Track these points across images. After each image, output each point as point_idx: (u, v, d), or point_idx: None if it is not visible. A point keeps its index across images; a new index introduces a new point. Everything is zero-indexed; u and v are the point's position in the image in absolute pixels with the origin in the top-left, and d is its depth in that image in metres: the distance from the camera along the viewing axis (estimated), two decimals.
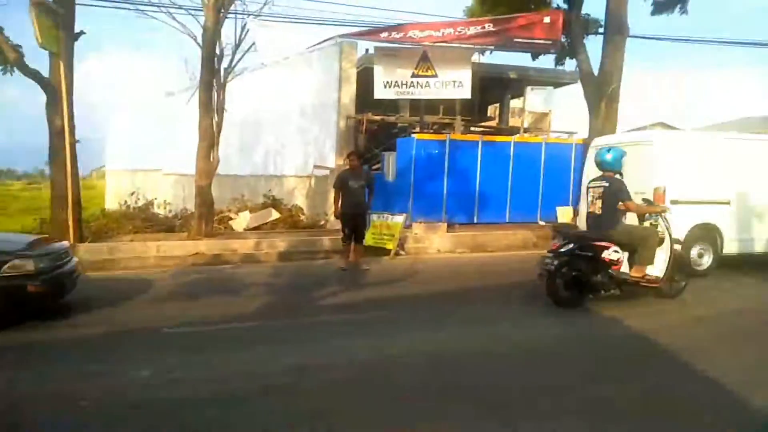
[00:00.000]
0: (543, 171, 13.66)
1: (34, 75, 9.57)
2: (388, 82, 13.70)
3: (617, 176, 6.36)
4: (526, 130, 17.48)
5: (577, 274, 6.14)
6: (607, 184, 6.28)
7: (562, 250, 6.17)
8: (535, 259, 6.65)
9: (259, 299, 6.86)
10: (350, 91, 15.39)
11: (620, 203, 6.21)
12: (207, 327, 5.63)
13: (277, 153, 17.43)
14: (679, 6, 13.48)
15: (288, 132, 17.10)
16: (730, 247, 8.41)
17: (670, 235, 6.46)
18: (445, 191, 13.25)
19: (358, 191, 8.76)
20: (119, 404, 3.74)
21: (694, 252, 8.17)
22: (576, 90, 14.08)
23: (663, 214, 6.46)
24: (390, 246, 10.12)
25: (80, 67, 9.98)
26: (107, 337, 5.30)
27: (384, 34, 12.59)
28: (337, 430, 3.37)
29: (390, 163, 13.70)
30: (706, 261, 8.30)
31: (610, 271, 6.16)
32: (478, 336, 5.33)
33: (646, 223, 6.47)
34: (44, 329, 5.50)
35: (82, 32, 10.19)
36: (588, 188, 6.69)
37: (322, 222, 13.71)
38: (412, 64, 13.62)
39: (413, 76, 13.71)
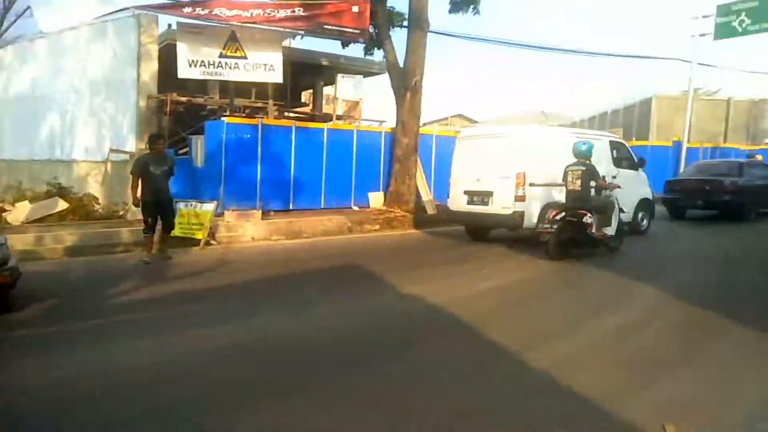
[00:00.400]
0: (355, 158, 14.03)
1: None
2: (193, 61, 12.85)
3: (588, 162, 8.42)
4: (339, 117, 17.83)
5: (569, 235, 8.37)
6: (584, 168, 8.32)
7: (558, 217, 8.10)
8: (351, 244, 6.90)
9: (38, 303, 5.92)
10: (151, 68, 14.14)
11: (593, 181, 8.34)
12: None
13: (65, 135, 15.36)
14: (472, 6, 14.81)
15: (78, 111, 15.16)
16: None
17: (618, 206, 8.93)
18: (258, 177, 12.90)
19: (161, 177, 8.13)
20: None
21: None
22: (385, 80, 14.70)
23: (615, 190, 8.82)
24: (200, 236, 9.54)
25: None
26: None
27: (187, 9, 11.76)
28: None
29: (198, 148, 12.90)
30: None
31: (588, 231, 8.31)
32: (293, 324, 5.27)
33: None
34: None
35: None
36: (567, 171, 8.48)
37: (121, 212, 12.42)
38: (219, 43, 12.94)
39: (221, 56, 13.04)
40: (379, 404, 3.47)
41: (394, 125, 14.36)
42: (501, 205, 9.27)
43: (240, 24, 12.24)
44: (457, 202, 10.13)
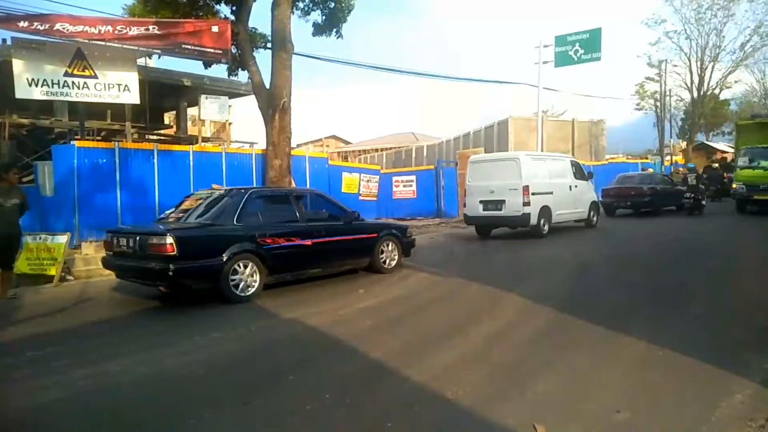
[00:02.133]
0: (225, 181, 13.62)
1: None
2: (33, 80, 11.74)
3: None
4: (206, 140, 17.26)
5: None
6: None
7: None
8: None
9: None
10: None
11: None
12: None
13: None
14: (335, 30, 15.20)
15: None
16: (556, 218, 13.69)
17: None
18: (119, 204, 12.01)
19: (11, 210, 7.36)
20: None
21: (541, 221, 13.11)
22: (254, 101, 14.49)
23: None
24: (53, 272, 8.70)
25: None
26: None
27: (23, 23, 10.73)
28: None
29: (46, 175, 11.73)
30: (545, 227, 13.28)
31: None
32: (163, 360, 4.92)
33: None
34: None
35: None
36: None
37: None
38: (64, 61, 11.97)
39: (67, 74, 12.06)
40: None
41: (264, 147, 14.20)
42: (512, 209, 12.84)
43: (86, 41, 11.43)
44: (474, 209, 13.58)
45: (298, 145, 16.30)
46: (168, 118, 22.90)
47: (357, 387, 4.11)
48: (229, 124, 19.21)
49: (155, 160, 12.71)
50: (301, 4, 15.03)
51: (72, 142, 12.25)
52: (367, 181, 17.93)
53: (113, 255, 7.49)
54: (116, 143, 12.67)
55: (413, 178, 21.18)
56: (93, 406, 3.91)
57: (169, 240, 6.53)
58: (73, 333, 6.05)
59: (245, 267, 7.07)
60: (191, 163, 13.29)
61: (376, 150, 45.27)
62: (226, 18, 14.24)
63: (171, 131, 20.16)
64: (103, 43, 11.65)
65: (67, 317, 6.76)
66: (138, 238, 6.95)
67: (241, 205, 7.46)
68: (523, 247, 11.99)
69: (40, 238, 8.97)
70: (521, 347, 4.93)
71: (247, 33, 14.12)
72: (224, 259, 6.86)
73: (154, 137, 18.29)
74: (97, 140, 14.38)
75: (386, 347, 4.95)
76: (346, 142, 55.89)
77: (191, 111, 21.17)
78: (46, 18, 10.95)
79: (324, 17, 15.18)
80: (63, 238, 8.97)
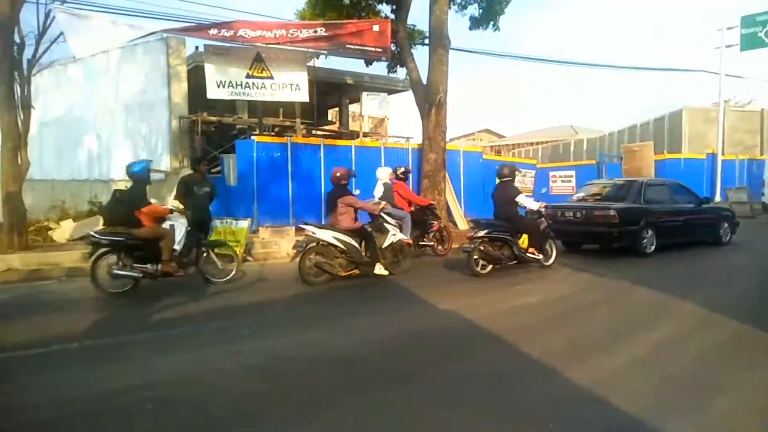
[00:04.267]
0: None
1: None
2: (221, 82, 13.27)
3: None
4: (365, 135, 18.11)
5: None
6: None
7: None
8: None
9: (89, 316, 6.24)
10: (181, 89, 14.67)
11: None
12: (24, 351, 4.95)
13: (102, 155, 15.92)
14: (492, 23, 15.05)
15: (114, 132, 15.72)
16: None
17: None
18: (290, 194, 13.19)
19: (202, 197, 8.49)
20: None
21: None
22: (410, 96, 14.92)
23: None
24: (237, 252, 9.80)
25: None
26: None
27: (212, 31, 12.13)
28: None
29: (231, 167, 13.25)
30: None
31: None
32: (331, 338, 5.39)
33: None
34: None
35: None
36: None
37: None
38: (245, 64, 13.35)
39: (248, 76, 13.45)
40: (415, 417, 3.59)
41: (420, 141, 14.55)
42: None
43: (264, 45, 12.60)
44: None
45: (451, 140, 16.46)
46: (331, 114, 24.42)
47: (513, 383, 4.11)
48: (387, 119, 19.92)
49: (321, 154, 13.70)
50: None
51: (252, 137, 13.67)
52: (523, 175, 17.54)
53: (556, 222, 10.44)
54: (288, 138, 13.87)
55: (572, 173, 20.27)
56: (266, 374, 4.41)
57: (612, 212, 9.95)
58: (252, 308, 6.79)
59: (647, 233, 10.29)
60: (353, 156, 14.08)
61: (531, 144, 43.83)
62: (386, 17, 14.79)
63: (334, 127, 21.46)
64: (278, 46, 12.76)
65: (248, 294, 7.61)
66: (584, 211, 10.47)
67: (642, 191, 10.62)
68: (702, 253, 10.94)
69: (226, 222, 10.16)
70: (698, 359, 4.58)
71: (406, 30, 14.55)
72: (640, 227, 10.18)
73: (320, 132, 19.63)
74: (272, 135, 15.81)
75: (545, 346, 4.88)
76: (500, 136, 54.88)
77: (352, 107, 22.37)
78: (231, 25, 12.26)
79: (481, 10, 15.14)
80: (245, 223, 10.08)
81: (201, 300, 7.12)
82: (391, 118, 20.37)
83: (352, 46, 13.20)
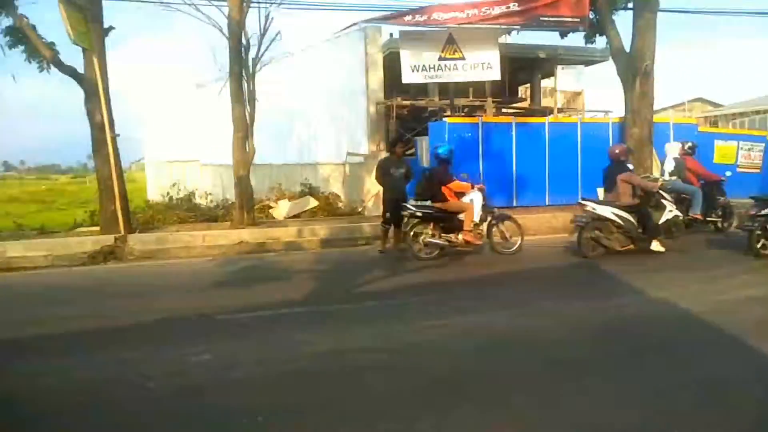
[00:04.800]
0: (580, 151, 13.46)
1: (71, 71, 9.85)
2: (415, 66, 13.65)
3: None
4: (559, 110, 17.32)
5: None
6: None
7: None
8: None
9: (305, 285, 7.01)
10: (378, 76, 15.43)
11: None
12: (257, 313, 5.74)
13: (310, 141, 17.61)
14: None
15: (319, 119, 17.24)
16: None
17: None
18: (481, 175, 13.19)
19: (399, 179, 8.98)
20: (185, 386, 3.91)
21: None
22: (608, 67, 13.82)
23: None
24: None
25: (111, 62, 10.25)
26: (165, 323, 5.51)
27: (408, 18, 12.49)
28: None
29: (424, 149, 13.70)
30: None
31: None
32: (530, 320, 5.36)
33: None
34: (103, 317, 5.76)
35: (111, 27, 10.44)
36: None
37: (360, 209, 13.85)
38: (438, 47, 13.52)
39: (440, 59, 13.61)
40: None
41: (622, 115, 13.45)
42: None
43: (457, 26, 12.62)
44: None
45: (657, 112, 14.86)
46: (522, 91, 23.74)
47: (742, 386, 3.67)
48: (582, 93, 18.78)
49: (513, 133, 13.44)
50: None
51: (443, 119, 13.92)
52: (748, 149, 15.22)
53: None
54: (479, 118, 13.85)
55: None
56: (447, 352, 4.52)
57: None
58: (442, 286, 7.02)
59: None
60: (546, 134, 13.56)
61: (757, 112, 37.59)
62: None
63: (525, 104, 20.84)
64: (470, 26, 12.72)
65: (441, 273, 7.82)
66: None
67: None
68: None
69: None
70: None
71: None
72: None
73: (510, 111, 19.23)
74: (462, 116, 15.92)
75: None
76: (716, 105, 48.03)
77: (544, 83, 21.47)
78: (424, 10, 12.50)
79: None
80: None
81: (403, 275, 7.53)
82: (585, 91, 19.15)
83: (547, 18, 12.58)
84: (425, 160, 13.55)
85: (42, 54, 9.90)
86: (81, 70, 9.89)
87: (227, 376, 4.05)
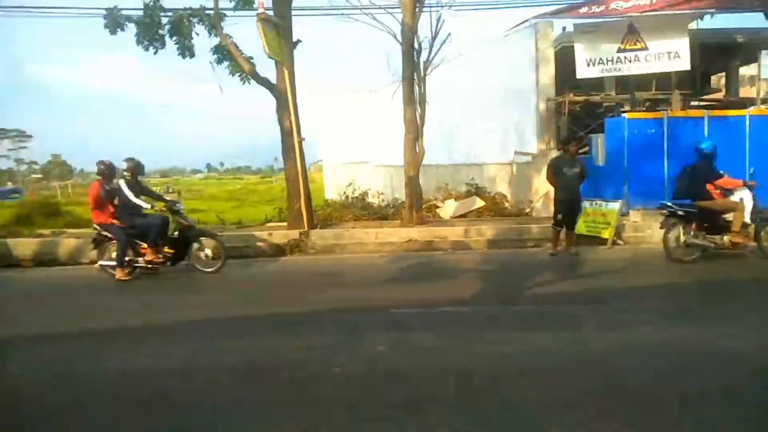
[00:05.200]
0: None
1: (266, 82, 10.95)
2: (591, 60, 12.93)
3: None
4: (763, 101, 15.21)
5: None
6: None
7: None
8: None
9: (473, 285, 7.05)
10: (549, 72, 14.92)
11: None
12: (427, 309, 5.89)
13: (476, 140, 17.56)
14: None
15: (486, 118, 17.11)
16: None
17: None
18: (666, 175, 12.03)
19: (573, 178, 8.61)
20: (369, 371, 4.16)
21: None
22: None
23: None
24: (606, 235, 9.59)
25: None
26: (343, 314, 5.92)
27: (583, 9, 11.89)
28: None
29: (599, 146, 12.90)
30: None
31: None
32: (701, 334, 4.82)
33: None
34: (280, 306, 6.35)
35: (299, 41, 11.39)
36: None
37: (527, 210, 13.50)
38: (617, 38, 12.66)
39: (619, 51, 12.75)
40: None
41: None
42: None
43: (639, 14, 11.68)
44: None
45: None
46: (714, 81, 21.23)
47: None
48: None
49: (705, 128, 12.06)
50: None
51: (622, 115, 12.98)
52: None
53: None
54: (665, 113, 12.67)
55: None
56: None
57: None
58: (620, 293, 6.54)
59: None
60: (747, 128, 11.95)
61: None
62: None
63: (719, 95, 18.58)
64: (654, 13, 11.71)
65: (617, 278, 7.36)
66: None
67: None
68: None
69: (596, 204, 10.00)
70: None
71: None
72: None
73: (701, 103, 17.29)
74: (643, 111, 14.69)
75: None
76: None
77: (743, 71, 18.96)
78: (603, 0, 11.80)
79: None
80: (615, 205, 9.73)
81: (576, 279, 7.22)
82: None
83: None
84: (600, 158, 12.77)
85: (242, 68, 11.16)
86: (273, 80, 10.98)
87: (402, 365, 4.25)
